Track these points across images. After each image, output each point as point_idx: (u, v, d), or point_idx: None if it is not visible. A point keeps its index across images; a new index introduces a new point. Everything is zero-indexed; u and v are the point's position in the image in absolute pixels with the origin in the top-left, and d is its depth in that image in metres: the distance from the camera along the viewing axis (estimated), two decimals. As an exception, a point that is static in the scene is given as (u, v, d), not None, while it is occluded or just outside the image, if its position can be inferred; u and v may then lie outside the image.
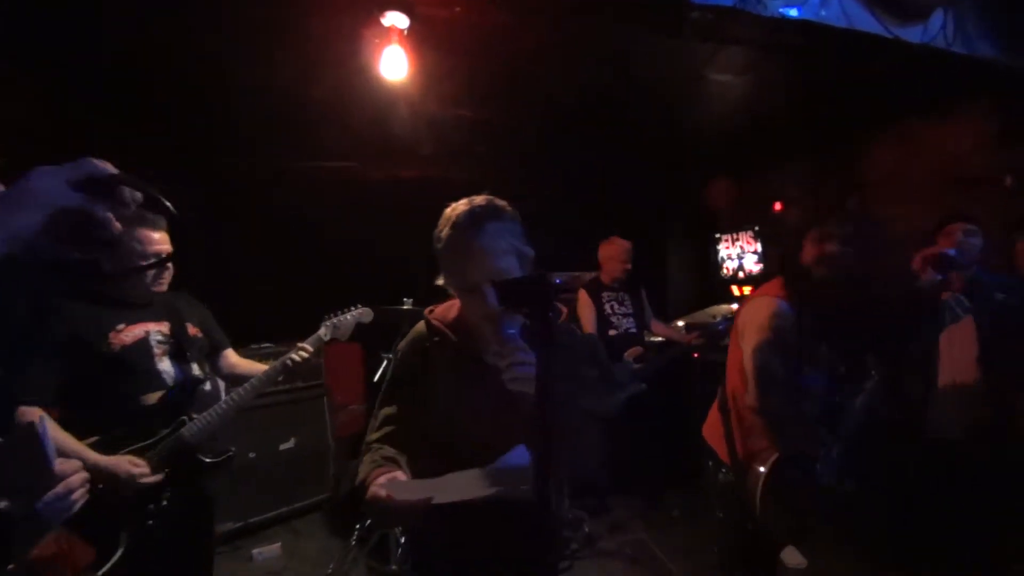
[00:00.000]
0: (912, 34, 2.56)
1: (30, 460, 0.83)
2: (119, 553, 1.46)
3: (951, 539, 2.30)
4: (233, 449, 1.81)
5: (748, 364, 1.87)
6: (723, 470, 2.00)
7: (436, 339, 1.22)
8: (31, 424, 0.81)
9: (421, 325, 1.27)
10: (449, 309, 1.27)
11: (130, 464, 1.53)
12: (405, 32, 2.05)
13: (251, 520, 3.31)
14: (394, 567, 2.77)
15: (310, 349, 1.92)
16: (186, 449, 1.66)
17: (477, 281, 1.08)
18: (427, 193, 4.86)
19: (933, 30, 2.60)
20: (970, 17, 2.69)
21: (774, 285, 2.04)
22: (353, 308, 2.13)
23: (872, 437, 3.32)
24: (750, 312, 1.98)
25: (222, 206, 3.78)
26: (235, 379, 1.99)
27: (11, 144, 2.79)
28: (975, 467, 2.17)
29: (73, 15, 2.10)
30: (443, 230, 1.13)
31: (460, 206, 1.14)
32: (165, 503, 1.61)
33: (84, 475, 0.93)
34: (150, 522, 1.57)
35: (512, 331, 1.01)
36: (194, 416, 1.71)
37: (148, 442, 1.61)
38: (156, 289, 1.77)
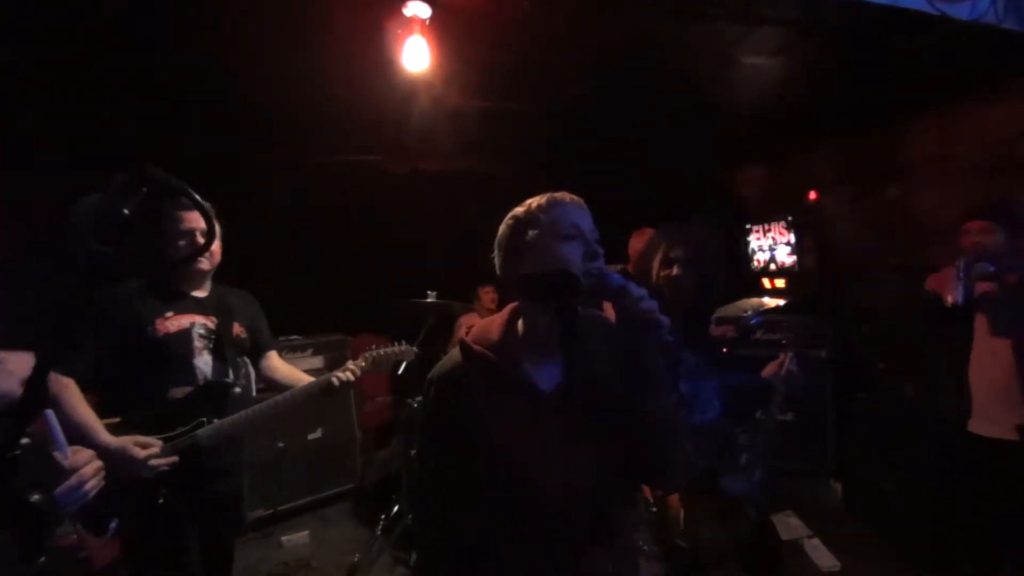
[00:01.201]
0: (960, 10, 2.42)
1: (43, 452, 0.84)
2: (104, 539, 1.40)
3: (987, 540, 2.20)
4: (239, 461, 1.81)
5: None
6: (650, 507, 1.92)
7: (478, 367, 1.04)
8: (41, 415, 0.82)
9: (456, 354, 1.08)
10: (489, 328, 1.09)
11: (137, 446, 1.51)
12: (427, 22, 2.03)
13: (280, 507, 3.39)
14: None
15: (357, 372, 1.90)
16: (197, 451, 1.62)
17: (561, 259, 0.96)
18: (449, 186, 4.89)
19: (983, 6, 2.45)
20: (1025, -10, 2.52)
21: None
22: (396, 344, 2.06)
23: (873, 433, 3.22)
24: None
25: (244, 199, 3.85)
26: (271, 383, 1.96)
27: (30, 139, 2.90)
28: (1015, 467, 2.06)
29: (97, 10, 2.11)
30: (534, 213, 1.01)
31: (529, 205, 1.04)
32: (161, 500, 1.57)
33: (97, 464, 0.95)
34: (142, 516, 1.54)
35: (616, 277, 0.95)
36: (214, 420, 1.68)
37: (164, 436, 1.59)
38: (204, 268, 1.77)
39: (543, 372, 1.02)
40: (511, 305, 1.12)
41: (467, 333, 1.10)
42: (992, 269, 2.09)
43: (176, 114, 3.27)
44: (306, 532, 3.28)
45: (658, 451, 1.01)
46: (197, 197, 0.67)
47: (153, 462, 1.52)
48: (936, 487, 2.62)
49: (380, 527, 3.01)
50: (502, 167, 4.37)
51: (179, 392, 1.64)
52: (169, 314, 1.67)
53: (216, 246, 1.81)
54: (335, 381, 1.80)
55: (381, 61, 2.29)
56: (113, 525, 1.35)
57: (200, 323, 1.73)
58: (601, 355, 1.02)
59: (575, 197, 1.04)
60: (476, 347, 1.05)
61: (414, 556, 2.81)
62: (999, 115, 3.09)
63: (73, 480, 0.88)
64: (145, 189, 0.59)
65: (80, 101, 2.91)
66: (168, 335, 1.64)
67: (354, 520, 3.49)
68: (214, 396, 1.70)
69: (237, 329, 1.84)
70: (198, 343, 1.70)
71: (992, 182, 3.05)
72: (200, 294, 1.79)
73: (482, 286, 4.17)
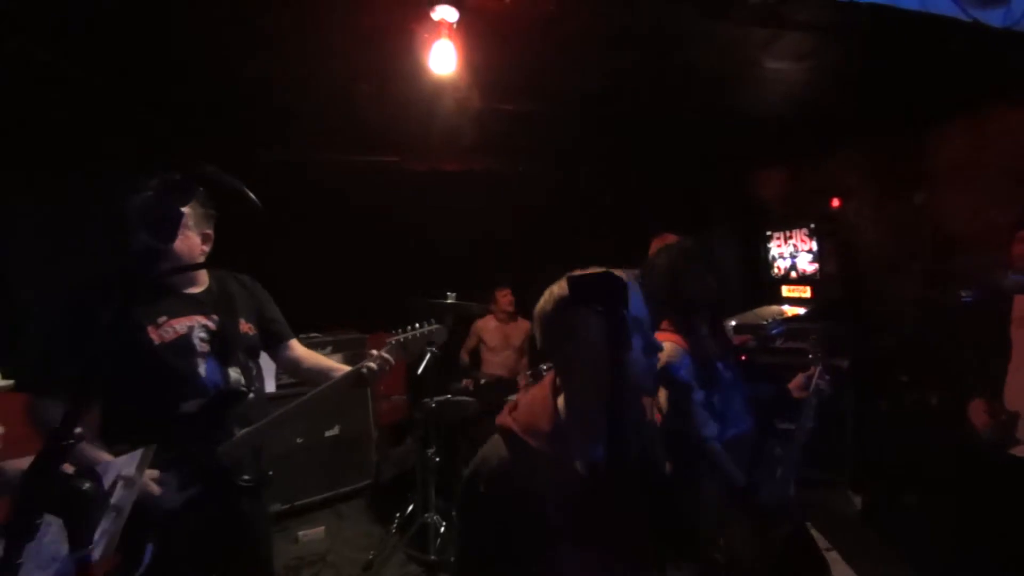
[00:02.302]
0: (993, 17, 2.37)
1: None
2: (143, 567, 1.30)
3: (1009, 559, 2.14)
4: (272, 472, 1.61)
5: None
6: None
7: (533, 461, 0.91)
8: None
9: (499, 447, 0.95)
10: (535, 414, 0.96)
11: (149, 480, 1.32)
12: (454, 25, 2.05)
13: (297, 503, 3.43)
14: (433, 557, 2.81)
15: (391, 361, 1.66)
16: (220, 467, 1.46)
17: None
18: (469, 186, 4.90)
19: (1017, 13, 2.40)
20: (1061, -3, 2.46)
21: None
22: (424, 324, 1.80)
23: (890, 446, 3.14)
24: None
25: (264, 197, 3.91)
26: (298, 373, 1.81)
27: (51, 138, 2.97)
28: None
29: (119, 10, 2.13)
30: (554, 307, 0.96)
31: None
32: (192, 523, 1.40)
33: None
34: (176, 539, 1.37)
35: (682, 371, 0.93)
36: (234, 431, 1.49)
37: (181, 456, 1.40)
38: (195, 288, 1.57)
39: (591, 449, 0.95)
40: (548, 378, 1.03)
41: (510, 419, 0.97)
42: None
43: (200, 113, 3.34)
44: (322, 527, 3.31)
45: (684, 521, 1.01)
46: (252, 196, 0.68)
47: (165, 502, 1.34)
48: (959, 504, 2.57)
49: (395, 525, 3.03)
50: (521, 168, 4.38)
51: (190, 405, 1.45)
52: (163, 319, 1.45)
53: (191, 232, 1.53)
54: (365, 371, 1.60)
55: (408, 63, 2.32)
56: (148, 553, 1.27)
57: (200, 324, 1.51)
58: (648, 433, 1.01)
59: (630, 276, 0.95)
60: (534, 444, 0.92)
61: (429, 556, 2.83)
62: (1029, 123, 3.01)
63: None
64: (202, 188, 0.61)
65: (98, 99, 2.96)
66: (165, 344, 1.44)
67: (369, 517, 3.51)
68: (229, 406, 1.50)
69: (244, 326, 1.63)
70: (200, 348, 1.50)
71: (1020, 190, 2.98)
72: (196, 290, 1.57)
73: (499, 288, 4.18)
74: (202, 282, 1.59)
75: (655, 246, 3.56)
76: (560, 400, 0.98)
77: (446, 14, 1.98)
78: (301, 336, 3.64)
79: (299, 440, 3.47)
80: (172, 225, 0.60)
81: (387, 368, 1.63)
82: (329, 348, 3.69)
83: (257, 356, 1.70)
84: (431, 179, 4.42)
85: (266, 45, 2.47)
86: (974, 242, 3.23)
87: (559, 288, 0.97)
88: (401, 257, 4.24)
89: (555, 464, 0.91)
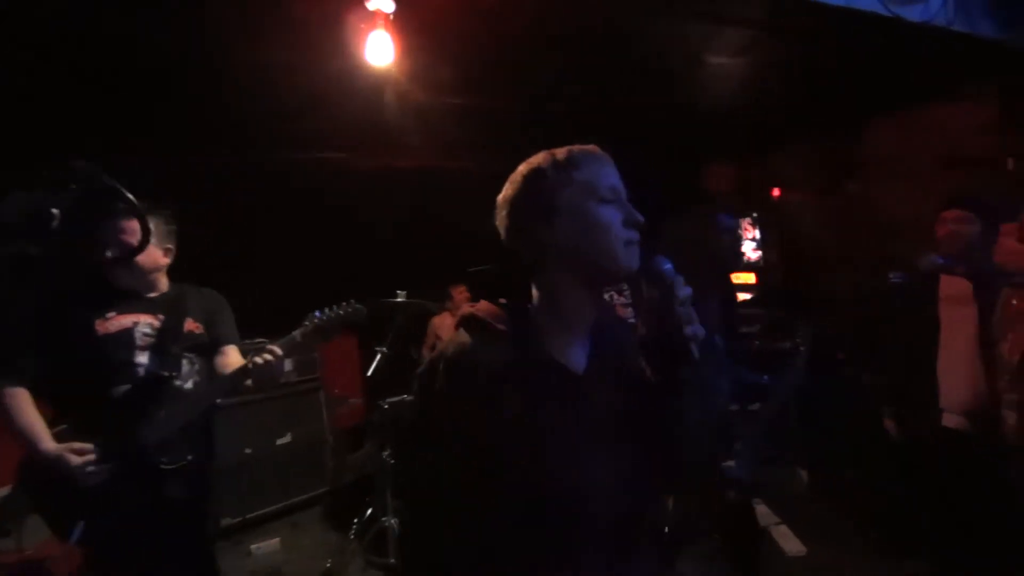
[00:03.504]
0: (912, 12, 2.51)
1: None
2: (71, 542, 1.44)
3: (953, 528, 2.28)
4: (191, 457, 1.65)
5: None
6: None
7: (495, 349, 0.84)
8: None
9: (462, 336, 0.87)
10: (493, 307, 0.90)
11: (73, 452, 1.47)
12: (391, 16, 1.99)
13: (249, 515, 3.30)
14: (392, 560, 2.76)
15: (278, 352, 1.66)
16: (142, 448, 1.56)
17: (619, 185, 0.87)
18: (419, 184, 4.82)
19: (934, 8, 2.55)
20: (973, -5, 2.63)
21: None
22: (344, 305, 1.85)
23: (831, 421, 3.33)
24: None
25: (209, 199, 3.73)
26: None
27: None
28: (982, 456, 2.13)
29: (60, 9, 2.05)
30: (559, 153, 0.88)
31: (564, 149, 0.89)
32: (119, 503, 1.52)
33: None
34: (105, 521, 1.50)
35: (669, 267, 0.84)
36: (158, 415, 1.61)
37: (110, 438, 1.53)
38: (121, 283, 1.67)
39: (571, 353, 0.87)
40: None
41: (471, 309, 0.90)
42: (941, 262, 2.15)
43: (137, 112, 3.14)
44: (276, 539, 3.19)
45: (682, 453, 0.90)
46: (128, 195, 0.63)
47: (90, 469, 1.47)
48: (893, 475, 2.72)
49: (353, 531, 2.96)
50: (472, 164, 4.34)
51: (121, 391, 1.59)
52: (111, 314, 1.62)
53: (153, 246, 1.68)
54: (250, 366, 1.63)
55: (344, 56, 2.24)
56: (78, 530, 1.38)
57: (144, 322, 1.66)
58: (627, 349, 0.93)
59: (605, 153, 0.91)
60: (496, 325, 0.86)
61: (388, 559, 2.78)
62: (952, 113, 3.22)
63: None
64: (75, 186, 0.55)
65: (41, 99, 2.77)
66: (108, 335, 1.60)
67: (327, 525, 3.42)
68: (155, 391, 1.62)
69: (190, 325, 1.74)
70: (140, 342, 1.64)
71: (948, 179, 3.18)
72: (152, 294, 1.73)
73: (455, 285, 4.14)
74: (161, 288, 1.74)
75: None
76: (536, 298, 0.91)
77: (382, 4, 1.93)
78: (247, 341, 3.52)
79: (248, 451, 3.34)
80: (46, 226, 0.55)
81: (274, 360, 1.64)
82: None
83: (204, 354, 1.78)
84: (380, 177, 4.32)
85: (199, 39, 2.35)
86: (903, 227, 3.43)
87: (535, 161, 0.89)
88: (353, 257, 4.13)
89: (524, 349, 0.84)
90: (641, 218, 0.87)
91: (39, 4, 2.03)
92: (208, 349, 1.80)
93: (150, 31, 2.29)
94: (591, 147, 0.90)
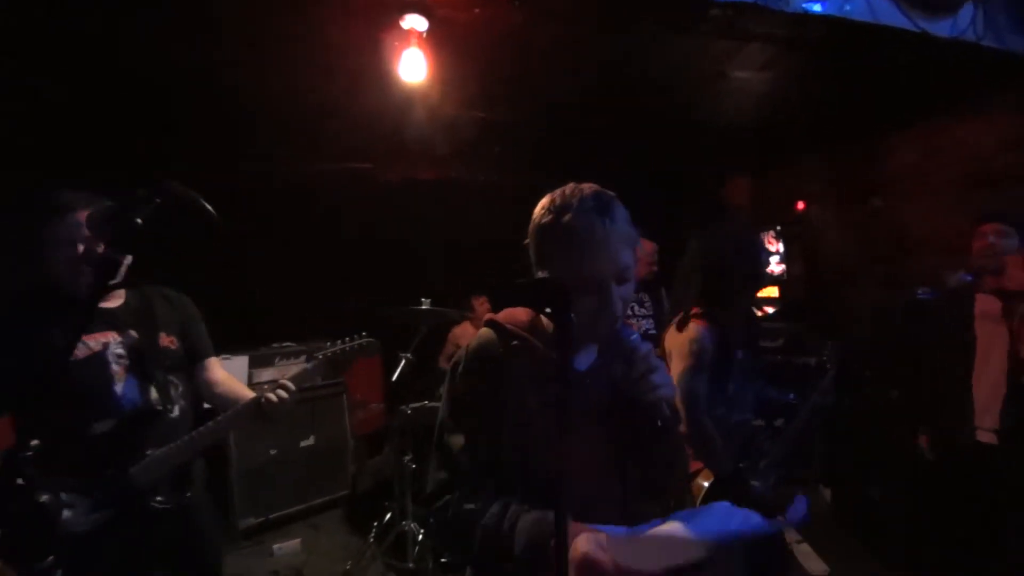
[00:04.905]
0: (941, 28, 2.50)
1: None
2: None
3: (977, 548, 2.23)
4: (190, 494, 1.53)
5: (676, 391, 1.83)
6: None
7: (514, 344, 1.00)
8: None
9: (487, 332, 1.04)
10: (514, 314, 1.06)
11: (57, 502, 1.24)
12: (424, 35, 2.07)
13: (272, 516, 3.37)
14: (411, 565, 2.79)
15: (292, 388, 1.56)
16: (133, 489, 1.38)
17: (605, 276, 0.92)
18: (443, 195, 4.90)
19: (963, 24, 2.53)
20: (1001, 10, 2.60)
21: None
22: (354, 338, 1.77)
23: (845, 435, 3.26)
24: (674, 339, 1.92)
25: (240, 209, 3.85)
26: (212, 397, 1.66)
27: (21, 151, 2.90)
28: (1009, 472, 2.09)
29: (87, 23, 2.13)
30: (565, 216, 0.93)
31: (577, 190, 0.98)
32: (104, 547, 1.32)
33: None
34: (86, 565, 1.29)
35: (637, 336, 0.92)
36: (148, 452, 1.41)
37: (92, 478, 1.33)
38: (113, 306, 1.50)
39: (577, 356, 1.01)
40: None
41: (488, 318, 1.06)
42: (969, 279, 2.14)
43: (174, 125, 3.29)
44: (298, 540, 3.25)
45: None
46: (210, 209, 0.69)
47: (80, 524, 1.28)
48: (919, 493, 2.67)
49: (372, 535, 3.00)
50: (494, 176, 4.42)
51: (103, 425, 1.38)
52: None
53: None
54: (263, 401, 1.51)
55: (378, 71, 2.33)
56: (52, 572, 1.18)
57: (116, 342, 1.45)
58: (632, 357, 0.96)
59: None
60: (511, 327, 1.01)
61: (407, 564, 2.81)
62: (977, 129, 3.17)
63: None
64: (159, 200, 0.61)
65: (69, 113, 2.91)
66: (77, 360, 1.37)
67: (347, 528, 3.47)
68: (143, 426, 1.44)
69: (165, 340, 1.55)
70: (116, 366, 1.43)
71: (970, 195, 3.13)
72: (112, 304, 1.49)
73: (476, 296, 4.19)
74: (119, 294, 1.53)
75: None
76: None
77: (415, 23, 2.01)
78: (275, 345, 3.62)
79: (273, 452, 3.42)
80: (131, 236, 0.61)
81: (287, 396, 1.54)
82: (303, 357, 3.65)
83: (182, 372, 1.61)
84: (407, 187, 4.42)
85: (233, 55, 2.46)
86: (927, 242, 3.39)
87: (581, 196, 0.96)
88: (377, 265, 4.22)
89: (534, 349, 0.98)
90: (618, 311, 0.93)
91: (54, 10, 2.06)
92: (186, 366, 1.63)
93: (189, 48, 2.39)
94: (597, 220, 0.93)
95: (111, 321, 1.47)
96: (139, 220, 0.61)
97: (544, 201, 0.99)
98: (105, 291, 1.41)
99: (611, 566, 0.74)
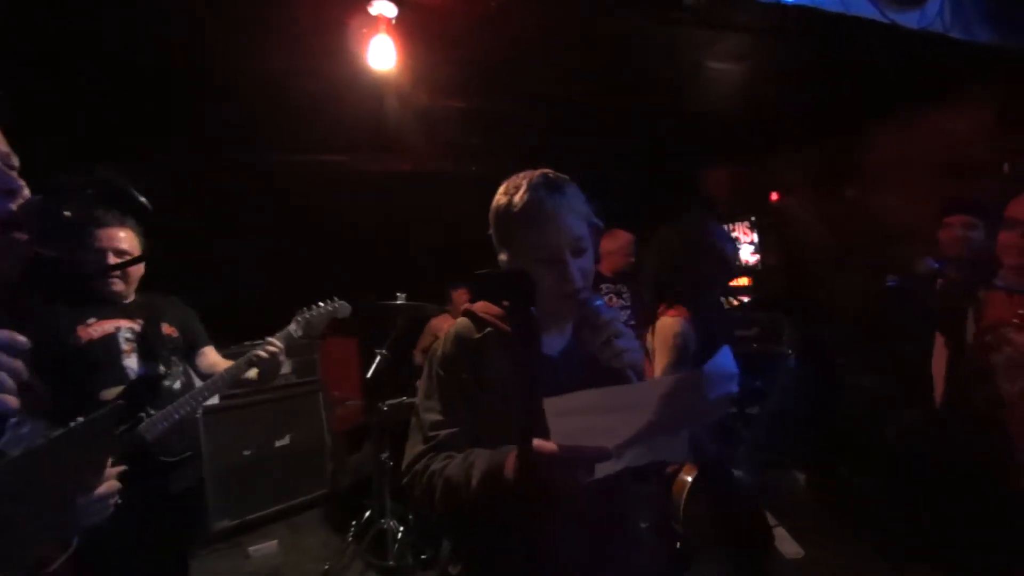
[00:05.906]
0: (909, 19, 2.53)
1: (98, 446, 0.79)
2: (71, 549, 1.40)
3: (951, 531, 2.29)
4: (190, 452, 1.78)
5: None
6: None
7: (488, 331, 1.05)
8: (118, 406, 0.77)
9: (464, 322, 1.09)
10: (490, 304, 1.11)
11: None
12: (393, 21, 2.01)
13: (248, 517, 3.30)
14: (391, 562, 2.76)
15: (279, 345, 1.78)
16: (143, 447, 1.60)
17: (559, 247, 0.96)
18: (420, 187, 4.83)
19: (931, 15, 2.57)
20: (968, 1, 2.65)
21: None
22: (328, 302, 2.01)
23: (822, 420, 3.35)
24: (658, 333, 1.91)
25: (211, 202, 3.73)
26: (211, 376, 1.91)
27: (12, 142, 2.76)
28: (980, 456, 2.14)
29: (63, 14, 2.06)
30: (516, 195, 0.99)
31: (528, 174, 1.03)
32: (120, 501, 1.53)
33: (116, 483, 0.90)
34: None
35: (601, 303, 0.94)
36: (152, 413, 1.65)
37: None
38: (116, 289, 1.73)
39: (549, 340, 1.06)
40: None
41: (466, 308, 1.11)
42: (937, 266, 2.18)
43: (139, 116, 3.15)
44: (275, 541, 3.19)
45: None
46: (144, 201, 0.64)
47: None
48: (892, 476, 2.74)
49: (351, 533, 2.96)
50: (474, 167, 4.36)
51: (111, 393, 1.62)
52: (91, 320, 1.66)
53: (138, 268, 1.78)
54: (254, 359, 1.74)
55: (347, 61, 2.26)
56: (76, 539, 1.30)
57: (126, 327, 1.72)
58: (604, 343, 0.98)
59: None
60: (483, 315, 1.06)
61: (387, 562, 2.78)
62: (953, 119, 3.24)
63: (104, 489, 0.88)
64: (91, 191, 0.56)
65: (44, 101, 2.77)
66: (92, 341, 1.64)
67: (326, 527, 3.42)
68: (147, 390, 1.68)
69: (167, 329, 1.82)
70: (125, 346, 1.69)
71: (947, 184, 3.20)
72: (121, 301, 1.78)
73: (455, 288, 4.14)
74: (130, 295, 1.79)
75: (605, 241, 3.63)
76: None
77: (384, 9, 1.94)
78: (247, 343, 3.53)
79: (247, 453, 3.34)
80: (59, 230, 0.56)
81: (277, 351, 1.75)
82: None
83: (184, 357, 1.87)
84: (383, 179, 4.33)
85: (197, 42, 2.35)
86: (901, 231, 3.45)
87: (532, 178, 1.01)
88: (353, 259, 4.13)
89: (508, 334, 1.02)
90: (577, 282, 0.96)
91: (40, 6, 2.03)
92: (186, 352, 1.89)
93: (150, 34, 2.30)
94: (547, 196, 0.98)
95: (123, 312, 1.74)
96: (68, 213, 0.56)
97: (500, 188, 1.05)
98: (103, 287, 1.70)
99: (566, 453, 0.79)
